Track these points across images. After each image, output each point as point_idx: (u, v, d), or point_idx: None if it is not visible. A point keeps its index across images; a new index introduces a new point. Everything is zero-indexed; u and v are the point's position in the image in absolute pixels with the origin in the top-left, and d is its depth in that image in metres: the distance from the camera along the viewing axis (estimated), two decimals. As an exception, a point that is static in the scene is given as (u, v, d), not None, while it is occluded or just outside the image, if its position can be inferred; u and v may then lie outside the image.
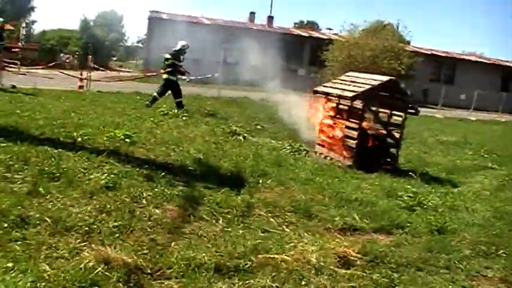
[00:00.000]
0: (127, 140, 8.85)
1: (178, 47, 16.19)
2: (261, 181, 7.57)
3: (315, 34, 48.73)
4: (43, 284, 3.68)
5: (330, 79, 34.46)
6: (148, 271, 4.13)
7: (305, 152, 11.02)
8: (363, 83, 10.42)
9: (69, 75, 24.44)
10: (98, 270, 3.92)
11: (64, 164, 6.73)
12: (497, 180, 11.17)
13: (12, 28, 42.65)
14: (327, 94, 10.99)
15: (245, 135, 11.96)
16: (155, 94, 16.11)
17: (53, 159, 6.95)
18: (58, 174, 6.26)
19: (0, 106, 12.02)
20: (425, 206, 7.49)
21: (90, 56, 24.90)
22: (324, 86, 11.45)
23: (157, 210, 5.59)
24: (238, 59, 30.28)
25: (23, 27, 59.75)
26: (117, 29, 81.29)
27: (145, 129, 10.57)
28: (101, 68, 30.06)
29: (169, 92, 16.05)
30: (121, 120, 11.33)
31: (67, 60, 47.61)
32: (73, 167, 6.65)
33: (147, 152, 8.41)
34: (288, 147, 11.05)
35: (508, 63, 53.43)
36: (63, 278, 3.75)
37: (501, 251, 5.98)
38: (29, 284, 3.62)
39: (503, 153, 16.13)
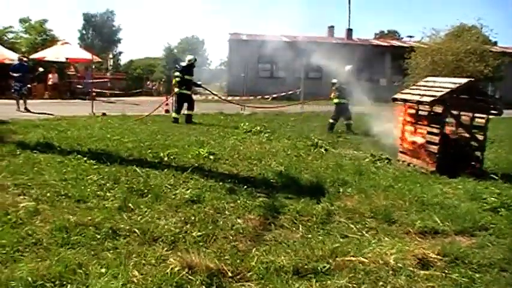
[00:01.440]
0: (211, 156, 9.22)
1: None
2: (341, 190, 7.68)
3: (396, 43, 48.22)
4: (133, 287, 3.98)
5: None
6: (230, 274, 4.35)
7: (387, 160, 10.99)
8: (441, 87, 10.33)
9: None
10: (182, 274, 4.20)
11: (151, 182, 7.16)
12: None
13: (100, 60, 44.52)
14: (405, 101, 10.96)
15: (327, 147, 12.07)
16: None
17: (141, 178, 7.41)
18: (146, 191, 6.68)
19: (92, 132, 12.72)
20: (510, 207, 7.33)
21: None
22: (403, 93, 11.42)
23: (239, 220, 5.84)
24: (320, 74, 30.52)
25: (111, 58, 62.26)
26: (200, 53, 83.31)
27: (228, 146, 10.91)
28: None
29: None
30: (205, 139, 11.75)
31: (153, 87, 49.07)
32: (159, 184, 7.05)
33: (230, 167, 8.72)
34: (370, 157, 11.06)
35: None
36: (151, 282, 4.07)
37: None
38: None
39: None
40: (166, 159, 9.03)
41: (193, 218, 5.76)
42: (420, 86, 11.26)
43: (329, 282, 4.34)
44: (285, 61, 39.63)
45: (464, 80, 10.41)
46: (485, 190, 8.35)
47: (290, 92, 25.54)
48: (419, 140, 10.67)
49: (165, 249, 4.81)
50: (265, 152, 10.65)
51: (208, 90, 20.60)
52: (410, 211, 6.82)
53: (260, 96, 26.27)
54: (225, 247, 4.99)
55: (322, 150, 11.67)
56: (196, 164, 8.55)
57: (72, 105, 24.05)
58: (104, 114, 19.15)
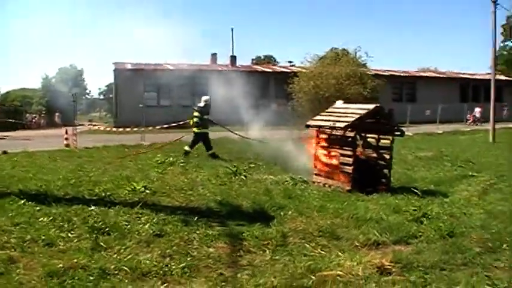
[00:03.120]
0: (147, 191, 9.62)
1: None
2: (282, 213, 8.43)
3: (279, 69, 50.11)
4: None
5: (299, 110, 35.71)
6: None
7: (305, 182, 11.87)
8: (351, 113, 11.40)
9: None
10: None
11: (106, 219, 7.47)
12: (480, 186, 12.30)
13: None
14: (319, 127, 11.92)
15: (245, 174, 12.77)
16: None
17: (95, 216, 7.69)
18: (107, 229, 7.01)
19: (9, 172, 12.65)
20: (429, 217, 8.45)
21: (57, 114, 25.53)
22: (315, 120, 12.39)
23: (210, 249, 6.40)
24: (209, 101, 31.10)
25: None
26: (78, 84, 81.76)
27: (155, 179, 11.30)
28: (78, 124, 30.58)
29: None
30: (128, 173, 12.04)
31: (33, 120, 47.69)
32: (117, 221, 7.41)
33: (170, 199, 9.21)
34: (290, 180, 11.90)
35: (462, 75, 55.86)
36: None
37: (504, 245, 7.05)
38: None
39: (478, 160, 17.39)
40: (103, 194, 9.32)
41: (168, 251, 6.22)
42: (331, 112, 12.28)
43: (319, 295, 5.05)
44: (171, 89, 40.18)
45: (371, 106, 11.56)
46: (404, 203, 9.46)
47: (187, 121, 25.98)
48: (334, 162, 11.64)
49: (159, 283, 5.25)
50: (192, 182, 11.17)
51: (226, 128, 20.49)
52: (350, 227, 7.72)
53: (159, 126, 26.53)
54: (211, 275, 5.53)
55: (243, 177, 12.37)
56: (137, 199, 8.94)
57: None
58: (4, 152, 18.64)
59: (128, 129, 26.29)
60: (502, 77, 54.65)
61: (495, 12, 30.86)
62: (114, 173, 12.36)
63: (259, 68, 50.78)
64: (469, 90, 53.46)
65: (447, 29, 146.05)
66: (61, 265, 5.61)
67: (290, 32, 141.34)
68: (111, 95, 64.04)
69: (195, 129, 17.57)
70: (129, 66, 43.23)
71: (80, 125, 29.39)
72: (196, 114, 17.55)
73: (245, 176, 12.47)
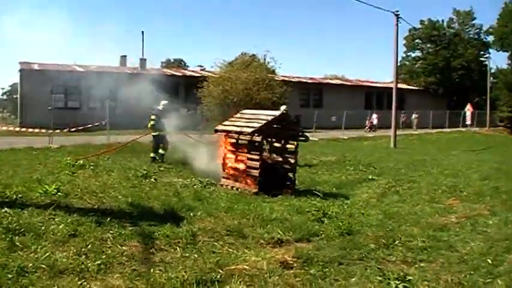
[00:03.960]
0: (59, 193, 9.66)
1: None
2: (191, 214, 8.79)
3: (188, 73, 50.32)
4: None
5: (208, 115, 36.14)
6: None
7: (213, 185, 12.28)
8: (259, 119, 11.92)
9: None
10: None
11: (21, 220, 7.54)
12: (379, 189, 13.19)
13: None
14: (228, 132, 12.36)
15: (155, 177, 13.03)
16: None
17: (8, 217, 7.72)
18: (23, 229, 7.07)
19: None
20: (330, 217, 9.10)
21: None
22: (224, 125, 12.83)
23: (124, 248, 6.64)
24: (119, 104, 30.88)
25: None
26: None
27: (66, 182, 11.31)
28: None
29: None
30: (39, 176, 11.97)
31: None
32: (31, 222, 7.46)
33: (83, 201, 9.31)
34: (198, 183, 12.26)
35: (367, 83, 58.33)
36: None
37: (397, 242, 7.78)
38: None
39: (378, 165, 18.48)
40: (15, 197, 9.29)
41: (83, 250, 6.40)
42: (239, 118, 12.77)
43: (229, 286, 5.46)
44: (81, 91, 39.56)
45: (277, 112, 12.14)
46: (306, 204, 10.06)
47: (97, 124, 25.77)
48: (241, 166, 12.11)
49: (76, 279, 5.44)
50: (103, 185, 11.27)
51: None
52: (256, 226, 8.19)
53: (67, 129, 26.14)
54: (126, 271, 5.80)
55: (153, 179, 12.62)
56: (50, 201, 8.99)
57: None
58: None
59: (36, 130, 25.66)
60: (404, 86, 57.53)
61: (397, 25, 32.67)
62: (24, 175, 12.23)
63: (169, 71, 50.72)
64: (374, 97, 55.81)
65: (354, 39, 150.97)
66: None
67: (200, 37, 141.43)
68: (15, 96, 61.93)
69: (152, 133, 17.85)
70: (36, 67, 42.12)
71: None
72: (153, 117, 17.74)
73: (155, 179, 12.72)
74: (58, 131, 25.27)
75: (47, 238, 6.83)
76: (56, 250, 6.36)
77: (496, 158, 25.39)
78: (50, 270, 5.63)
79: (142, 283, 5.40)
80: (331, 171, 16.71)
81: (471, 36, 68.75)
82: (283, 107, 17.53)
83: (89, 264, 5.87)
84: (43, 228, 7.24)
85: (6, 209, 8.13)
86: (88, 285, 5.28)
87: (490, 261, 7.14)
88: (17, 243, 6.48)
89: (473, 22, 68.38)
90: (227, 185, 12.34)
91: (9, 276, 5.42)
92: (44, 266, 5.71)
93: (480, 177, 16.15)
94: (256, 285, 5.56)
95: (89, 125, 25.03)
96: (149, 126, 17.99)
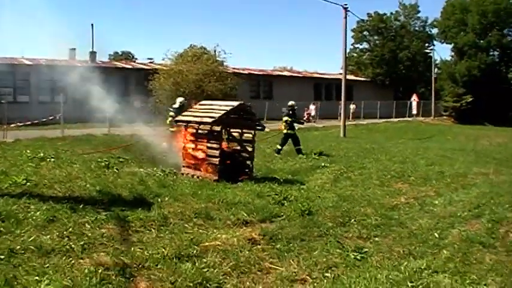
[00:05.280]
0: (28, 183, 9.97)
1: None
2: (159, 199, 9.26)
3: (138, 65, 50.17)
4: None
5: (158, 107, 36.24)
6: (135, 265, 5.76)
7: (175, 174, 12.72)
8: (218, 110, 12.43)
9: None
10: (100, 271, 5.43)
11: (0, 208, 7.82)
12: (332, 175, 13.94)
13: None
14: (188, 122, 12.82)
15: (116, 167, 13.36)
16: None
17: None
18: (2, 216, 7.37)
19: None
20: (289, 200, 9.78)
21: None
22: (184, 115, 13.29)
23: (102, 230, 7.09)
24: (70, 97, 30.67)
25: None
26: None
27: (32, 173, 11.54)
28: None
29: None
30: (3, 168, 12.12)
31: None
32: (8, 210, 7.75)
33: (53, 190, 9.62)
34: (161, 172, 12.66)
35: (316, 75, 59.37)
36: (82, 280, 5.20)
37: (352, 220, 8.62)
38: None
39: (330, 153, 19.30)
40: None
41: (65, 233, 6.81)
42: (198, 109, 13.27)
43: (204, 260, 6.05)
44: (29, 85, 39.02)
45: (235, 103, 12.70)
46: (266, 189, 10.69)
47: (51, 117, 25.72)
48: (201, 154, 12.59)
49: (63, 258, 5.88)
50: (69, 175, 11.51)
51: None
52: (221, 209, 8.77)
53: (22, 123, 25.93)
54: (109, 250, 6.28)
55: (115, 169, 12.95)
56: (21, 191, 9.29)
57: None
58: None
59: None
60: (352, 77, 58.82)
61: (346, 17, 33.59)
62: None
63: (119, 64, 50.51)
64: (322, 89, 56.84)
65: (304, 32, 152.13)
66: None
67: (148, 29, 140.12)
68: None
69: (171, 129, 18.30)
70: (-20, 59, 41.23)
71: None
72: (171, 114, 18.26)
73: (117, 169, 13.05)
74: (6, 126, 25.02)
75: (27, 223, 7.18)
76: (39, 234, 6.74)
77: (440, 146, 26.63)
78: (38, 251, 6.05)
79: (127, 259, 5.90)
80: (285, 159, 17.35)
81: (416, 28, 70.48)
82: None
83: (73, 245, 6.32)
84: (22, 215, 7.57)
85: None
86: (78, 263, 5.73)
87: (436, 235, 7.99)
88: (1, 229, 6.83)
89: (419, 15, 70.07)
90: (187, 174, 12.78)
91: (1, 257, 5.80)
92: (31, 247, 6.13)
93: (426, 163, 17.19)
94: (230, 258, 6.13)
95: (43, 119, 25.00)
96: (167, 122, 18.73)
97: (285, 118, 20.19)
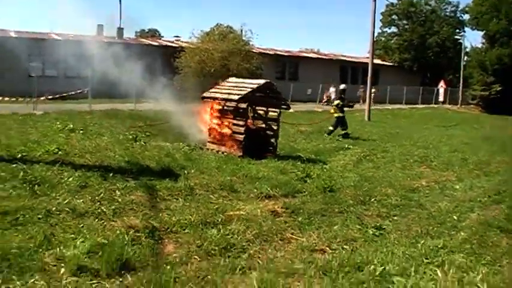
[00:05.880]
0: (60, 152, 10.33)
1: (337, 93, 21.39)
2: (185, 172, 9.57)
3: (165, 43, 50.41)
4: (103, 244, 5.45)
5: (184, 85, 36.49)
6: (163, 228, 6.08)
7: (201, 149, 13.01)
8: (244, 87, 12.66)
9: None
10: (130, 232, 5.77)
11: (36, 174, 8.18)
12: (355, 157, 14.09)
13: None
14: (214, 99, 13.07)
15: (144, 141, 13.68)
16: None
17: (21, 171, 8.32)
18: (38, 181, 7.75)
19: None
20: (312, 177, 10.03)
21: None
22: (211, 92, 13.52)
23: (132, 197, 7.44)
24: (96, 72, 31.02)
25: None
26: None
27: (63, 143, 11.89)
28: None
29: None
30: (35, 138, 12.53)
31: None
32: (43, 175, 8.13)
33: (84, 159, 9.96)
34: (187, 147, 12.96)
35: (342, 57, 59.05)
36: (114, 240, 5.54)
37: (373, 199, 8.83)
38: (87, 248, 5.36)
39: (353, 135, 19.38)
40: (20, 156, 9.86)
41: (97, 198, 7.18)
42: (224, 86, 13.49)
43: (230, 227, 6.36)
44: (60, 60, 39.39)
45: (262, 81, 12.90)
46: (289, 167, 10.93)
47: (79, 91, 26.16)
48: (227, 130, 12.85)
49: (96, 220, 6.26)
50: (98, 146, 11.84)
51: None
52: (245, 183, 9.08)
53: (51, 96, 26.43)
54: (138, 215, 6.62)
55: (143, 143, 13.28)
56: (53, 159, 9.62)
57: None
58: None
59: (20, 98, 25.85)
60: (379, 61, 58.44)
61: (375, 0, 33.38)
62: (21, 137, 12.70)
63: (145, 41, 50.81)
64: (349, 72, 56.57)
65: (331, 14, 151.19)
66: (9, 208, 6.40)
67: (175, 6, 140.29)
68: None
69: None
70: (12, 34, 41.86)
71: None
72: (336, 102, 20.35)
73: (144, 143, 13.37)
74: (35, 99, 25.49)
75: (61, 188, 7.57)
76: (72, 197, 7.13)
77: (466, 134, 26.54)
78: (72, 213, 6.44)
79: (156, 222, 6.22)
80: (308, 140, 17.56)
81: (447, 14, 69.42)
82: (342, 86, 21.06)
83: (105, 209, 6.70)
84: (56, 180, 7.95)
85: (15, 165, 8.75)
86: (109, 225, 6.07)
87: (455, 217, 8.15)
88: (37, 192, 7.21)
89: (450, 0, 69.11)
90: (213, 149, 13.05)
91: (39, 216, 6.20)
92: (66, 209, 6.53)
93: (450, 150, 17.22)
94: (254, 227, 6.42)
95: (71, 93, 25.41)
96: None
97: (336, 102, 20.61)
